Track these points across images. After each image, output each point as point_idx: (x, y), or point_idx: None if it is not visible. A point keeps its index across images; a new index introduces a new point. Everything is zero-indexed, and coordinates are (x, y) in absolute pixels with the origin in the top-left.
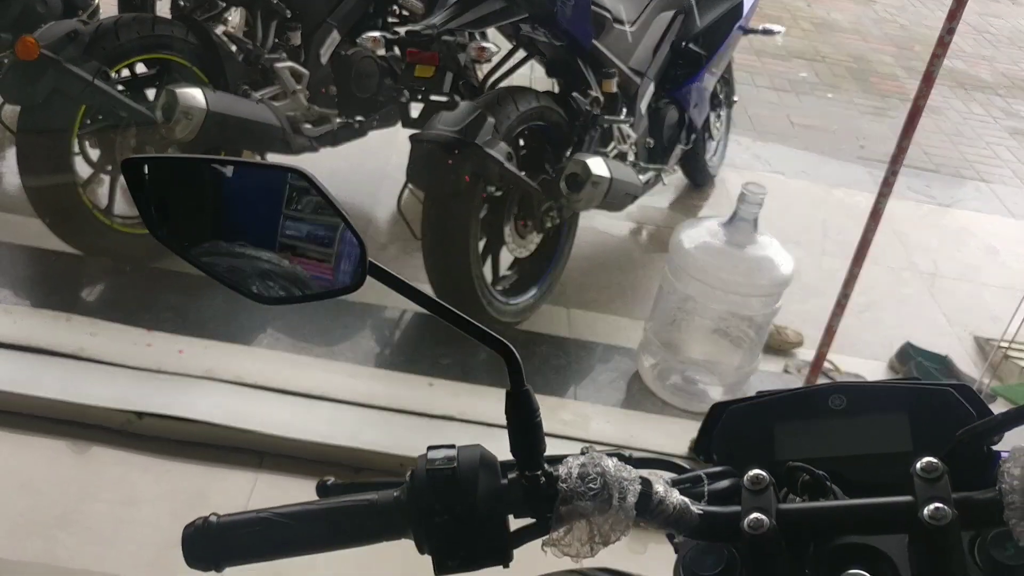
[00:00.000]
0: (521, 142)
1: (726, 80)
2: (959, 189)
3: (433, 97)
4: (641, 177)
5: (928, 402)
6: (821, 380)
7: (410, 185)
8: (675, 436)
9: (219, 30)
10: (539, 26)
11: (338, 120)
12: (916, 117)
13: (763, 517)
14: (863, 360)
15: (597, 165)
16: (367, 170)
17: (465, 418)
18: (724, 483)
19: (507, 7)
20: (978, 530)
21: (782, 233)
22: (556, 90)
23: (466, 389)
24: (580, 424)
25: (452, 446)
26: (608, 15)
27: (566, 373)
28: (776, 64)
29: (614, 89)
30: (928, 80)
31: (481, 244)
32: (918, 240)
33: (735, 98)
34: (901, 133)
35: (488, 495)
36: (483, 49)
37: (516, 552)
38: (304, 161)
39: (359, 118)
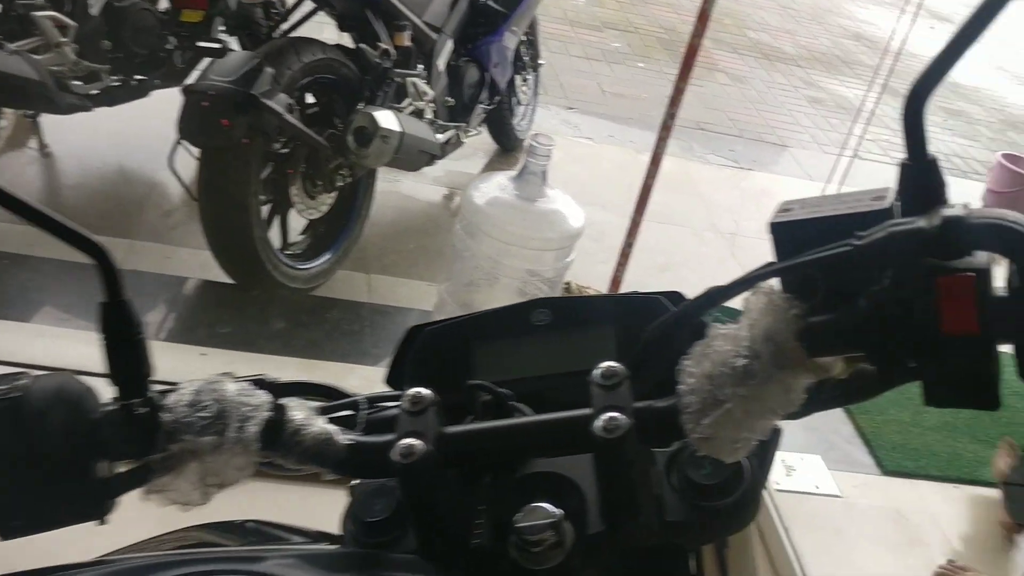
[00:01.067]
0: (310, 97)
1: (531, 42)
2: (761, 153)
3: (202, 44)
4: (439, 136)
5: (636, 311)
6: None
7: (183, 141)
8: None
9: None
10: None
11: (113, 78)
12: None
13: (416, 442)
14: None
15: (386, 118)
16: (152, 130)
17: None
18: (389, 411)
19: None
20: (676, 447)
21: (589, 196)
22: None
23: (242, 358)
24: (367, 389)
25: (24, 374)
26: None
27: (359, 338)
28: (589, 34)
29: (407, 42)
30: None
31: (268, 207)
32: (720, 202)
33: (541, 61)
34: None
35: (67, 432)
36: None
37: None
38: (79, 120)
39: (138, 76)
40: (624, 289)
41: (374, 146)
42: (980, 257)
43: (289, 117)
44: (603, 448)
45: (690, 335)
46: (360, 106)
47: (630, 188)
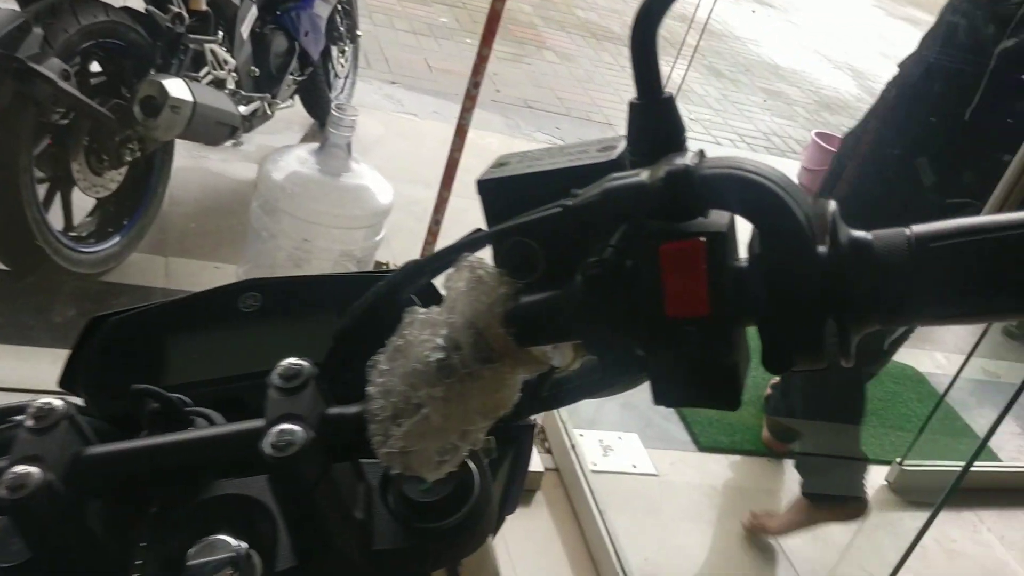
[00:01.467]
0: (96, 65)
1: (347, 12)
2: (587, 131)
3: None
4: (243, 108)
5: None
6: None
7: None
8: None
9: None
10: None
11: None
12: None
13: (32, 470)
14: None
15: (176, 87)
16: None
17: (4, 386)
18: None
19: None
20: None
21: (411, 173)
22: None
23: (10, 351)
24: None
25: None
26: None
27: None
28: (416, 8)
29: (203, 6)
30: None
31: (47, 185)
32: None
33: (359, 32)
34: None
35: None
36: None
37: None
38: None
39: None
40: None
41: (163, 117)
42: (717, 218)
43: (64, 84)
44: (275, 468)
45: (396, 322)
46: (152, 73)
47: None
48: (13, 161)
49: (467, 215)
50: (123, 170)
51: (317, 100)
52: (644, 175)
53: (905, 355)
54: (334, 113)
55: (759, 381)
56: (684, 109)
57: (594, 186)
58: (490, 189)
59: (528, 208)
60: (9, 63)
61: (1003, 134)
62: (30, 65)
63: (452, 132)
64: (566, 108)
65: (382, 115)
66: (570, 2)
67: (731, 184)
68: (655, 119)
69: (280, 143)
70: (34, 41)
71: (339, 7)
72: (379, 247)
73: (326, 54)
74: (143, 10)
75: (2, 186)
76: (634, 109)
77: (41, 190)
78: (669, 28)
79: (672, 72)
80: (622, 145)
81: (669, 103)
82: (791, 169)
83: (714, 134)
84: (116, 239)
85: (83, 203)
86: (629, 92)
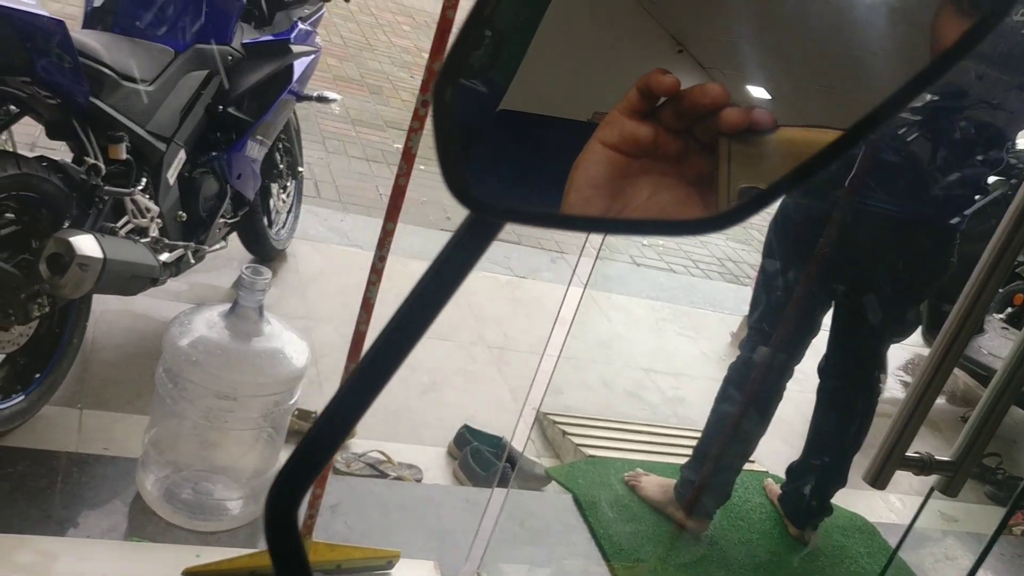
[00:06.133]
0: (9, 215)
1: (288, 149)
2: (537, 260)
3: None
4: (165, 255)
5: None
6: (370, 475)
7: None
8: (165, 567)
9: None
10: (20, 79)
11: None
12: (399, 198)
13: None
14: (422, 447)
15: (84, 244)
16: None
17: None
18: None
19: None
20: None
21: (347, 310)
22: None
23: None
24: (41, 567)
25: None
26: (110, 71)
27: (47, 499)
28: (371, 134)
29: (123, 155)
30: (407, 157)
31: None
32: (491, 313)
33: (300, 168)
34: (385, 216)
35: None
36: None
37: None
38: None
39: None
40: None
41: (70, 275)
42: None
43: None
44: None
45: None
46: (65, 226)
47: (396, 300)
48: None
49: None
50: (32, 324)
51: (256, 238)
52: None
53: (854, 500)
54: (244, 275)
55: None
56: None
57: None
58: None
59: None
60: None
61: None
62: None
63: (398, 263)
64: (518, 236)
65: (325, 248)
66: None
67: None
68: None
69: (216, 281)
70: None
71: (279, 145)
72: (293, 408)
73: (265, 191)
74: (58, 160)
75: None
76: None
77: None
78: None
79: None
80: None
81: None
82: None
83: (667, 260)
84: (22, 396)
85: None
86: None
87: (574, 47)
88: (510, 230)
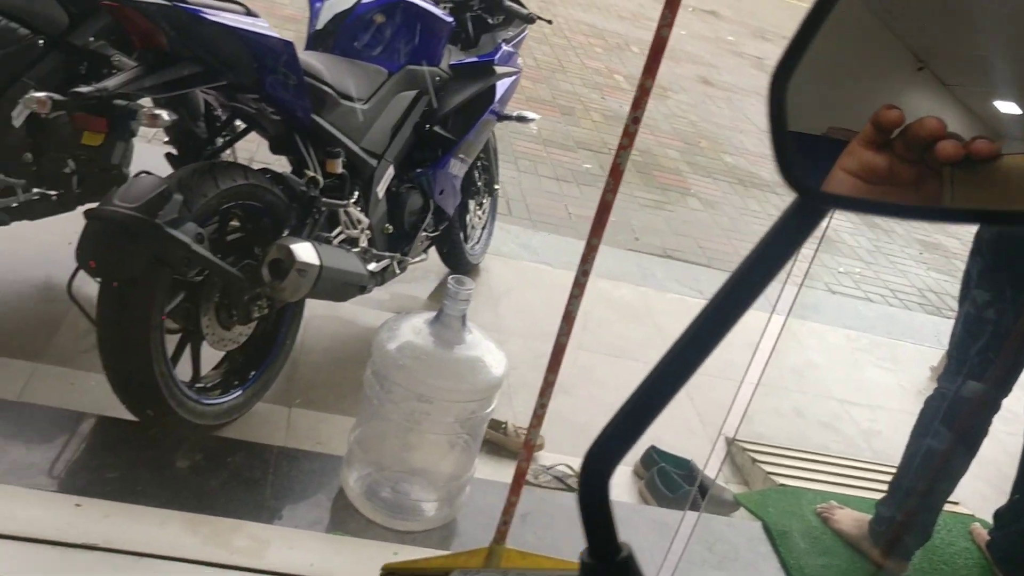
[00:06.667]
0: (235, 223)
1: (486, 167)
2: None
3: (102, 168)
4: (373, 265)
5: None
6: (558, 487)
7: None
8: (365, 562)
9: None
10: (250, 97)
11: (35, 190)
12: (604, 214)
13: None
14: None
15: (304, 251)
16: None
17: (110, 546)
18: None
19: (201, 73)
20: None
21: (538, 326)
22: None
23: (121, 510)
24: (255, 551)
25: None
26: (330, 90)
27: (259, 489)
28: (561, 154)
29: (339, 169)
30: (615, 173)
31: (178, 336)
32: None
33: (497, 186)
34: (590, 232)
35: None
36: (155, 116)
37: None
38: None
39: (61, 190)
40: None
41: (290, 280)
42: None
43: (197, 248)
44: None
45: None
46: (285, 234)
47: (585, 318)
48: (145, 318)
49: (601, 372)
50: (252, 325)
51: (452, 252)
52: None
53: None
54: (450, 286)
55: None
56: (833, 261)
57: None
58: None
59: None
60: (147, 227)
61: None
62: (166, 230)
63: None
64: (707, 258)
65: (516, 264)
66: (718, 147)
67: None
68: None
69: (415, 292)
70: (173, 207)
71: (478, 163)
72: (489, 417)
73: (463, 207)
74: (281, 173)
75: (134, 341)
76: (585, 569)
77: (173, 341)
78: None
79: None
80: None
81: (626, 566)
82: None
83: (864, 289)
84: (240, 391)
85: (212, 354)
86: None
87: (818, 62)
88: (699, 253)
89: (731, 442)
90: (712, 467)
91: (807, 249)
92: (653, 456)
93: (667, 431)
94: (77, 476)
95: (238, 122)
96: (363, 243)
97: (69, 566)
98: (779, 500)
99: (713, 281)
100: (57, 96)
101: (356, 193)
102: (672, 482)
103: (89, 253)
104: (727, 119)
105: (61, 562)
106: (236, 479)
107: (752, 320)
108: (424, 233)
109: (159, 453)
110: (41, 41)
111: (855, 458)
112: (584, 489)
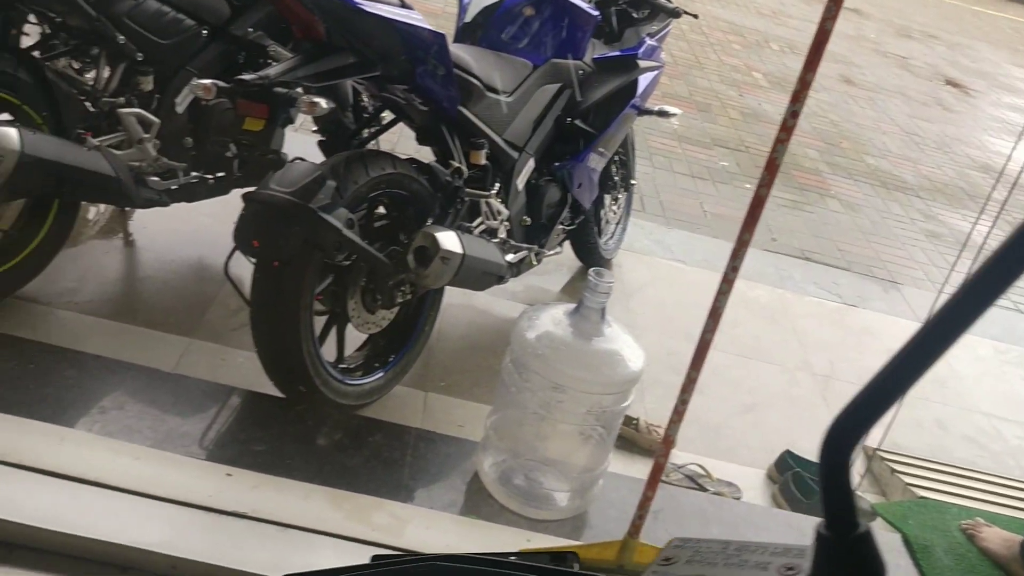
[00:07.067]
0: (381, 210)
1: (623, 162)
2: (868, 288)
3: (262, 153)
4: (511, 256)
5: None
6: (689, 487)
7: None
8: (498, 546)
9: (58, 67)
10: (400, 87)
11: (193, 174)
12: (758, 209)
13: None
14: (741, 467)
15: (448, 240)
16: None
17: (258, 516)
18: None
19: (356, 64)
20: None
21: (671, 324)
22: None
23: (269, 482)
24: (394, 529)
25: None
26: (477, 82)
27: (398, 469)
28: (697, 151)
29: (483, 160)
30: (771, 167)
31: (325, 318)
32: (818, 339)
33: (633, 181)
34: (742, 227)
35: None
36: (313, 104)
37: None
38: (167, 214)
39: (219, 174)
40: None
41: (433, 267)
42: None
43: (347, 232)
44: None
45: None
46: (429, 223)
47: (702, 309)
48: (297, 298)
49: (735, 372)
50: (395, 309)
51: (586, 246)
52: None
53: None
54: (591, 278)
55: None
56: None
57: None
58: None
59: None
60: (302, 212)
61: None
62: (320, 215)
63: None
64: (847, 262)
65: (649, 260)
66: (860, 148)
67: None
68: (848, 556)
69: (547, 285)
70: (326, 192)
71: (616, 158)
72: (624, 411)
73: (598, 202)
74: (427, 163)
75: (285, 321)
76: (821, 541)
77: (320, 323)
78: (971, 179)
79: (973, 230)
80: (807, 567)
81: (864, 540)
82: None
83: (1014, 300)
84: (381, 374)
85: (355, 337)
86: (918, 247)
87: None
88: (838, 256)
89: (870, 451)
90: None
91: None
92: (788, 460)
93: (802, 436)
94: (227, 447)
95: (385, 113)
96: (502, 234)
97: (219, 531)
98: (920, 513)
99: (853, 286)
100: (221, 83)
101: (497, 185)
102: (807, 487)
103: (249, 234)
104: (869, 120)
105: (212, 527)
106: (376, 458)
107: (892, 327)
108: (561, 226)
109: (304, 429)
110: (204, 31)
111: (1004, 475)
112: (826, 457)
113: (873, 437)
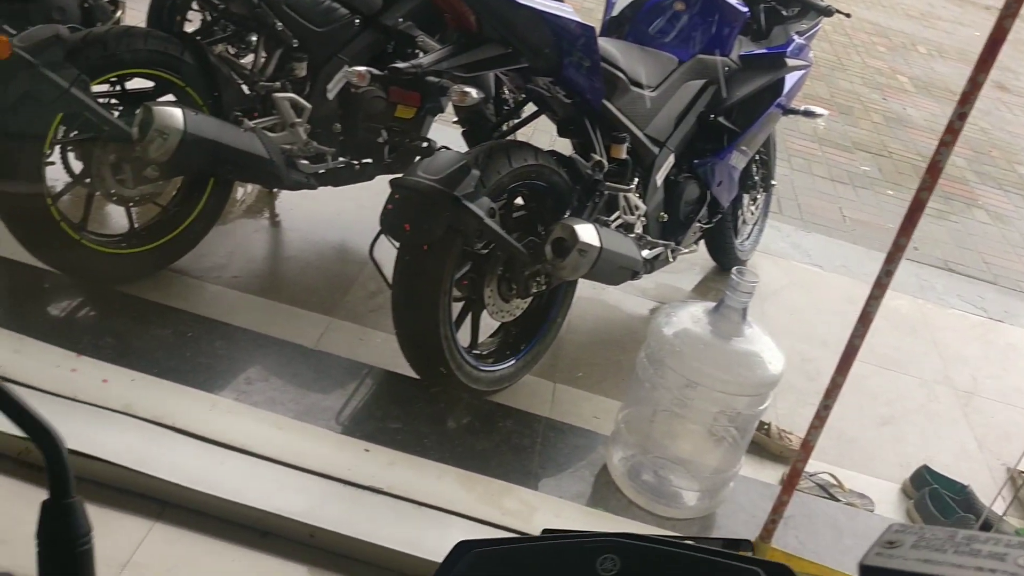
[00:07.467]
0: (520, 200)
1: (764, 162)
2: (1016, 304)
3: (412, 141)
4: (646, 252)
5: None
6: (820, 496)
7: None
8: None
9: (218, 52)
10: (545, 79)
11: (340, 159)
12: (917, 213)
13: None
14: (874, 479)
15: (586, 232)
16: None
17: (393, 492)
18: None
19: (505, 55)
20: None
21: (806, 329)
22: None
23: (404, 460)
24: (523, 515)
25: None
26: (623, 76)
27: (528, 456)
28: (838, 154)
29: (623, 155)
30: (933, 171)
31: (461, 304)
32: (959, 353)
33: (773, 182)
34: (899, 231)
35: None
36: (464, 93)
37: None
38: (311, 196)
39: (365, 160)
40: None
41: (570, 259)
42: None
43: (489, 221)
44: None
45: None
46: (567, 215)
47: (821, 312)
48: (437, 283)
49: (873, 384)
50: (528, 299)
51: (722, 246)
52: None
53: None
54: (734, 276)
55: None
56: None
57: None
58: None
59: None
60: (447, 199)
61: None
62: (463, 203)
63: (858, 288)
64: (993, 275)
65: (786, 264)
66: (1010, 156)
67: None
68: None
69: (679, 283)
70: (470, 181)
71: (757, 157)
72: (760, 415)
73: (736, 201)
74: (567, 155)
75: (425, 304)
76: None
77: (456, 309)
78: None
79: None
80: None
81: None
82: None
83: None
84: (512, 361)
85: (488, 324)
86: None
87: None
88: (984, 269)
89: (1011, 471)
90: (986, 492)
91: None
92: (925, 476)
93: (941, 451)
94: (364, 423)
95: (527, 106)
96: (638, 229)
97: (357, 505)
98: None
99: (1000, 300)
100: (375, 70)
101: (636, 179)
102: (946, 505)
103: (400, 219)
104: (1023, 128)
105: (350, 500)
106: (506, 444)
107: None
108: (698, 224)
109: (437, 411)
110: (357, 20)
111: None
112: None
113: (1013, 456)
